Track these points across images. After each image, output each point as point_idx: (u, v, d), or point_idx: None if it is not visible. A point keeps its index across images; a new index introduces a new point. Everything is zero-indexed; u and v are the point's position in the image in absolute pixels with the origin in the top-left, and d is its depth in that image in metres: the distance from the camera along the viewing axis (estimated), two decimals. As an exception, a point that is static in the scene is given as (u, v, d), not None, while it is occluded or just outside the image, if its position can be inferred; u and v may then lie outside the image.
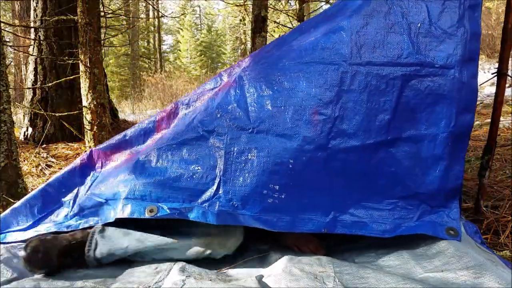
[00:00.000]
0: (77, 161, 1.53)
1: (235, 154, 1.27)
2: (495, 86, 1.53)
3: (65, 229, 1.32)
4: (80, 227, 1.31)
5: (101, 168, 1.51)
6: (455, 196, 1.26)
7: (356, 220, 1.23)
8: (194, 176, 1.28)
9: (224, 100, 1.35)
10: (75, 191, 1.47)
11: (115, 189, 1.32)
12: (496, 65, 1.51)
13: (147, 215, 1.20)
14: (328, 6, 4.83)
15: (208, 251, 1.23)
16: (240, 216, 1.22)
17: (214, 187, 1.26)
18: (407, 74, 1.25)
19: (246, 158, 1.26)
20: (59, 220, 1.39)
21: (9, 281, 1.12)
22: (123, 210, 1.24)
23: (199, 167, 1.28)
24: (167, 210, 1.21)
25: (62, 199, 1.44)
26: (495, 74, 1.49)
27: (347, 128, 1.25)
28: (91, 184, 1.45)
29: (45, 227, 1.36)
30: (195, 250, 1.23)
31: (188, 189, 1.27)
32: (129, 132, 1.53)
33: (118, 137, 1.54)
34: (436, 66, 1.25)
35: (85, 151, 3.26)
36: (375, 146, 1.25)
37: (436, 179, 1.24)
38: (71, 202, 1.42)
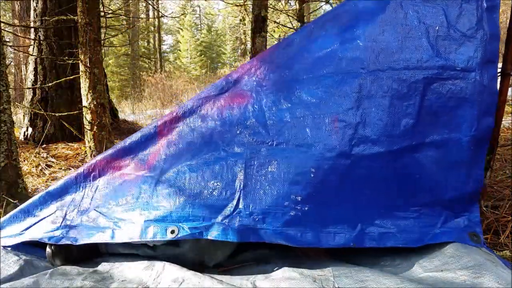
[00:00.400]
0: (79, 169, 1.46)
1: (255, 167, 1.26)
2: (497, 86, 1.52)
3: (50, 241, 1.28)
4: (81, 242, 1.26)
5: (99, 177, 1.42)
6: (475, 199, 1.25)
7: (383, 231, 1.21)
8: (214, 192, 1.26)
9: (243, 116, 1.35)
10: (69, 199, 1.40)
11: (130, 209, 1.29)
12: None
13: (168, 237, 1.19)
14: (328, 6, 4.83)
15: (200, 261, 1.30)
16: (261, 230, 1.18)
17: (235, 202, 1.23)
18: (429, 77, 1.24)
19: (267, 170, 1.25)
20: (47, 229, 1.32)
21: (9, 280, 1.13)
22: (145, 233, 1.22)
23: (219, 183, 1.26)
24: (188, 230, 1.19)
25: (56, 207, 1.39)
26: (499, 73, 1.49)
27: (371, 134, 1.23)
28: (93, 196, 1.38)
29: (32, 235, 1.32)
30: (189, 260, 1.28)
31: (209, 206, 1.24)
32: (129, 139, 1.46)
33: (118, 145, 1.47)
34: (457, 69, 1.24)
35: (85, 151, 3.27)
36: (400, 152, 1.23)
37: (458, 184, 1.23)
38: (65, 211, 1.36)
